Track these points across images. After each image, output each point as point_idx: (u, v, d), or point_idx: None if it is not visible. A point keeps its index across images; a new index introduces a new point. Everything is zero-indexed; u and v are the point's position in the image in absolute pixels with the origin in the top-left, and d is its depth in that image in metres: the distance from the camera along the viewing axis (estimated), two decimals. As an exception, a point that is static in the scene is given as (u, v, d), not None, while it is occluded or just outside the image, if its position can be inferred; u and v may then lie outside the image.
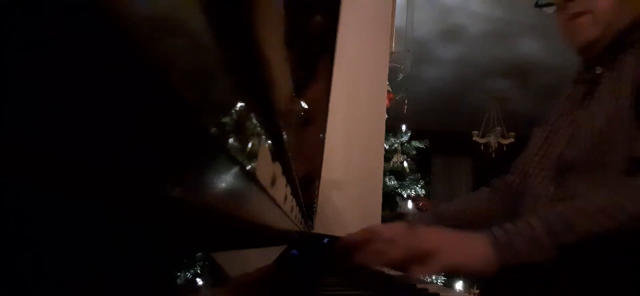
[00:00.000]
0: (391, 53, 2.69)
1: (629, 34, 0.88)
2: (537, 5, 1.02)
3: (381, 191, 2.01)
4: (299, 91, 0.52)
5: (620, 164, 0.80)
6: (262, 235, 0.50)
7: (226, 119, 0.24)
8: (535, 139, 1.03)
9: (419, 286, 0.85)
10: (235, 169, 0.27)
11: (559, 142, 0.94)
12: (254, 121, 0.30)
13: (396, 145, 3.67)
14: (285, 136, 0.42)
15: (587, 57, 0.97)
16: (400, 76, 3.42)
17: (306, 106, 0.59)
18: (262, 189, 0.35)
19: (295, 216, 0.76)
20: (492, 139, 5.45)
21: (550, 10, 1.00)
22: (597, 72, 0.91)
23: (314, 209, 1.37)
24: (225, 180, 0.26)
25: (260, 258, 0.65)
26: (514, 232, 0.74)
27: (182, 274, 0.34)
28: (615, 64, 0.87)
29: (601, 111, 0.85)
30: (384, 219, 2.10)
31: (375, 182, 1.98)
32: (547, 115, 1.05)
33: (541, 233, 0.72)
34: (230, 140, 0.25)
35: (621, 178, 0.76)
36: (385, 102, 2.12)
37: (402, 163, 3.66)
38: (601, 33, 0.91)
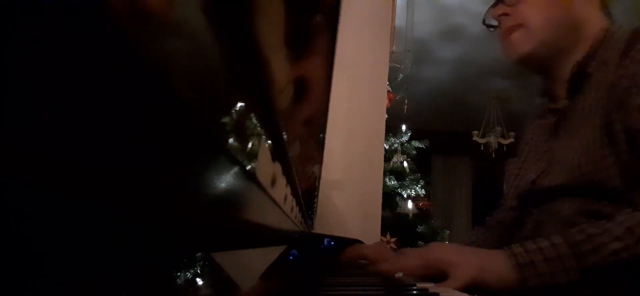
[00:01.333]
0: (391, 53, 2.69)
1: (587, 64, 0.89)
2: (483, 23, 1.04)
3: (381, 191, 2.01)
4: (299, 90, 0.52)
5: (605, 187, 0.80)
6: (262, 235, 0.51)
7: (226, 119, 0.24)
8: (509, 173, 1.04)
9: (419, 285, 0.85)
10: (235, 169, 0.27)
11: (531, 171, 0.95)
12: (254, 121, 0.30)
13: (396, 145, 3.67)
14: (285, 136, 0.42)
15: (533, 72, 0.99)
16: (400, 76, 3.42)
17: (306, 106, 0.59)
18: (262, 189, 0.35)
19: (295, 216, 0.76)
20: (492, 139, 5.45)
21: (493, 29, 1.02)
22: (564, 104, 0.92)
23: (314, 209, 1.37)
24: (225, 180, 0.26)
25: (260, 258, 0.65)
26: (535, 251, 0.72)
27: (182, 274, 0.34)
28: (579, 95, 0.89)
29: (575, 140, 0.85)
30: (384, 220, 2.10)
31: (375, 182, 1.98)
32: (518, 147, 1.07)
33: (565, 253, 0.70)
34: (230, 140, 0.25)
35: None
36: (385, 102, 2.12)
37: (402, 163, 3.65)
38: (533, 48, 0.93)
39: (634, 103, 0.77)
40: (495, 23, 1.00)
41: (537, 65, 0.97)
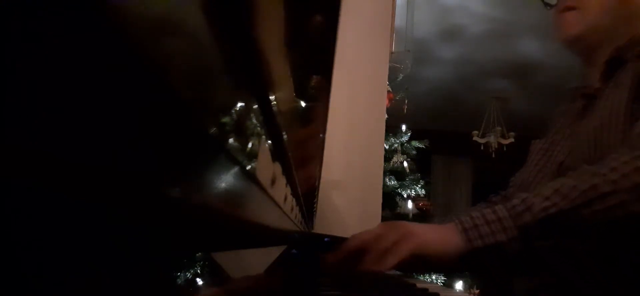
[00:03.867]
0: (391, 53, 2.69)
1: (627, 51, 0.91)
2: (543, 2, 1.06)
3: (381, 191, 2.01)
4: (299, 91, 0.52)
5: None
6: (262, 235, 0.51)
7: (226, 119, 0.24)
8: (534, 152, 1.07)
9: (419, 286, 0.85)
10: (235, 169, 0.27)
11: (559, 153, 0.98)
12: (254, 121, 0.30)
13: (396, 145, 3.67)
14: (285, 136, 0.42)
15: (578, 56, 1.01)
16: (400, 76, 3.42)
17: (306, 106, 0.59)
18: (262, 189, 0.35)
19: (295, 216, 0.76)
20: (492, 139, 5.45)
21: (550, 7, 1.04)
22: (595, 87, 0.94)
23: (314, 209, 1.37)
24: (225, 180, 0.26)
25: (260, 258, 0.65)
26: (478, 217, 0.77)
27: (182, 274, 0.34)
28: (612, 81, 0.91)
29: (598, 117, 0.88)
30: (384, 220, 2.11)
31: (375, 182, 1.98)
32: (546, 129, 1.09)
33: (503, 214, 0.76)
34: (230, 140, 0.25)
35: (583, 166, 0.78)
36: (385, 102, 2.12)
37: (402, 163, 3.65)
38: (584, 31, 0.96)
39: None
40: (553, 2, 1.03)
41: (583, 49, 0.99)
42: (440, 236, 0.77)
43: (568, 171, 0.91)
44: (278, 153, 0.41)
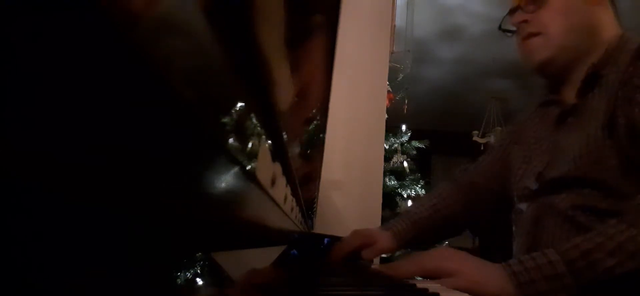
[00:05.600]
0: (391, 53, 2.69)
1: (602, 66, 0.91)
2: (500, 29, 1.06)
3: (381, 191, 2.01)
4: (299, 90, 0.52)
5: (602, 181, 0.83)
6: (262, 235, 0.51)
7: (226, 119, 0.24)
8: (514, 158, 1.07)
9: (419, 286, 0.85)
10: (235, 169, 0.27)
11: (538, 163, 0.97)
12: (254, 121, 0.30)
13: (396, 145, 3.67)
14: (285, 136, 0.42)
15: (549, 79, 1.02)
16: (400, 76, 3.42)
17: (306, 106, 0.59)
18: (262, 189, 0.35)
19: (295, 216, 0.76)
20: (492, 139, 5.44)
21: (510, 34, 1.04)
22: (573, 102, 0.94)
23: (314, 209, 1.37)
24: (226, 180, 0.26)
25: (260, 258, 0.65)
26: (534, 270, 0.74)
27: (182, 274, 0.34)
28: (590, 94, 0.91)
29: (580, 134, 0.88)
30: (384, 220, 2.11)
31: (375, 182, 1.98)
32: (522, 134, 1.08)
33: (563, 271, 0.72)
34: (230, 140, 0.25)
35: (634, 205, 0.75)
36: (385, 102, 2.12)
37: (402, 163, 3.65)
38: (553, 54, 0.95)
39: None
40: (513, 29, 1.02)
41: (554, 70, 0.98)
42: (492, 282, 0.75)
43: (547, 181, 0.92)
44: (278, 153, 0.41)
